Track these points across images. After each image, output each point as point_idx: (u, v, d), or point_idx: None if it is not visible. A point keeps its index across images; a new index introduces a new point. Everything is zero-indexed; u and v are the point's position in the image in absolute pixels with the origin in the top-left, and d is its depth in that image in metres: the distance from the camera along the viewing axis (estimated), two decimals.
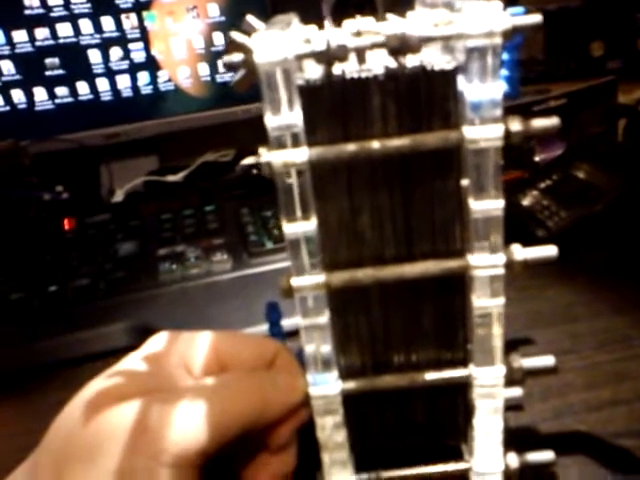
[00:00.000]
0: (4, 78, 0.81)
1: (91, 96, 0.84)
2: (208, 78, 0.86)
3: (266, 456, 0.31)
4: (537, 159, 0.71)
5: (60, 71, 0.82)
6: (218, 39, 0.84)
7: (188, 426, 0.26)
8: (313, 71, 0.26)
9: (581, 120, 0.72)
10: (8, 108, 0.82)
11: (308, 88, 0.25)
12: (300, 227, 0.26)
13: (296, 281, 0.27)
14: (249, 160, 0.26)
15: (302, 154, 0.25)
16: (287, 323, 0.39)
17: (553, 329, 0.47)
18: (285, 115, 0.24)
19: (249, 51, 0.24)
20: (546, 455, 0.31)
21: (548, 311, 0.50)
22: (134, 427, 0.25)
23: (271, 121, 0.24)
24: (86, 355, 0.51)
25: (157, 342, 0.31)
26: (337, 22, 0.30)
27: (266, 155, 0.25)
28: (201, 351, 0.31)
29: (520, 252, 0.27)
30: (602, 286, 0.52)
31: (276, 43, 0.24)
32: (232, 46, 0.25)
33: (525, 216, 0.60)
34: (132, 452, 0.25)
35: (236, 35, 0.25)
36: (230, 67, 0.25)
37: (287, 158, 0.25)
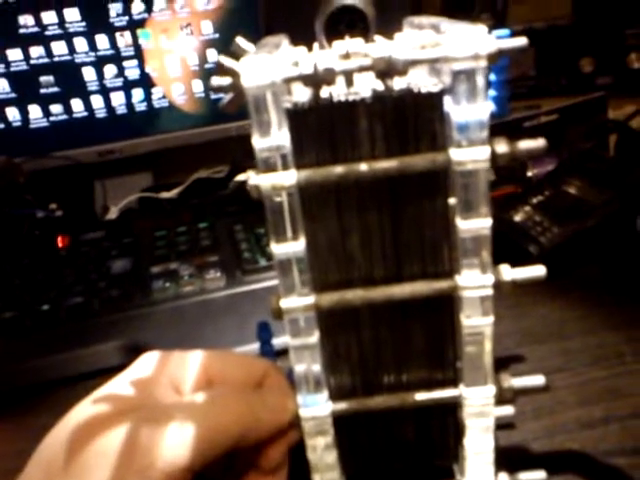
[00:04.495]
0: None
1: (85, 113, 0.84)
2: (202, 95, 0.87)
3: (256, 476, 0.30)
4: (529, 174, 0.71)
5: (55, 89, 0.82)
6: (212, 56, 0.85)
7: (176, 442, 0.26)
8: (301, 94, 0.26)
9: (572, 136, 0.72)
10: (3, 126, 0.82)
11: (296, 111, 0.25)
12: (289, 248, 0.26)
13: (285, 302, 0.27)
14: (243, 177, 0.26)
15: (290, 177, 0.25)
16: (278, 342, 0.39)
17: (545, 346, 0.47)
18: (273, 138, 0.24)
19: (237, 75, 0.24)
20: (538, 475, 0.30)
21: (540, 328, 0.50)
22: (123, 447, 0.25)
23: (259, 143, 0.25)
24: (79, 374, 0.51)
25: (145, 362, 0.31)
26: (330, 41, 0.30)
27: (254, 178, 0.25)
28: (190, 371, 0.31)
29: (509, 272, 0.27)
30: (595, 302, 0.53)
31: (264, 67, 0.24)
32: (221, 70, 0.25)
33: (517, 232, 0.60)
34: (122, 471, 0.25)
35: (224, 59, 0.25)
36: (219, 90, 0.25)
37: (275, 181, 0.25)
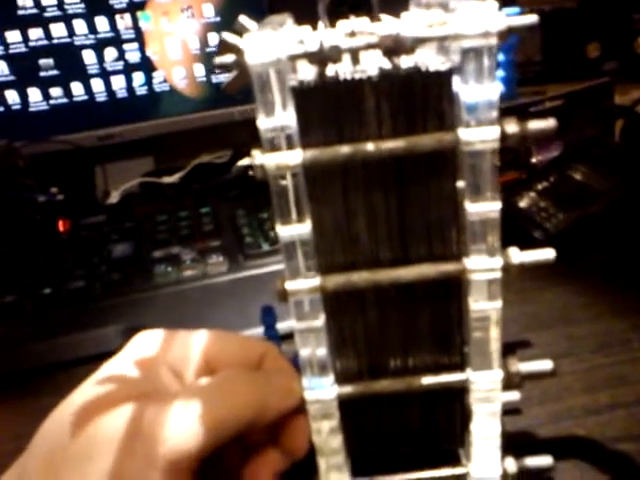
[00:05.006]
0: None
1: (86, 97, 0.84)
2: (203, 79, 0.86)
3: (266, 453, 0.30)
4: (534, 160, 0.70)
5: (54, 72, 0.82)
6: (213, 39, 0.84)
7: (182, 430, 0.25)
8: (306, 72, 0.26)
9: (578, 121, 0.71)
10: (2, 109, 0.82)
11: (301, 90, 0.24)
12: (294, 230, 0.26)
13: (291, 285, 0.26)
14: (245, 161, 0.26)
15: (296, 156, 0.24)
16: (282, 326, 0.39)
17: (551, 331, 0.47)
18: (278, 117, 0.24)
19: (241, 52, 0.24)
20: (544, 460, 0.30)
21: (546, 313, 0.49)
22: (127, 432, 0.25)
23: (264, 123, 0.24)
24: (80, 358, 0.51)
25: (141, 343, 0.31)
26: (333, 22, 0.30)
27: (259, 157, 0.24)
28: (188, 351, 0.30)
29: (517, 255, 0.26)
30: (601, 288, 0.52)
31: (268, 44, 0.23)
32: (224, 47, 0.24)
33: (522, 218, 0.60)
34: (125, 456, 0.25)
35: (227, 36, 0.24)
36: (222, 68, 0.25)
37: (280, 160, 0.24)
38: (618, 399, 0.40)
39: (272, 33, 0.24)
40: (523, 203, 0.61)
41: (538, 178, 0.64)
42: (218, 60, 0.25)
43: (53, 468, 0.25)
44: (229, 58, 0.25)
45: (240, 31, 0.26)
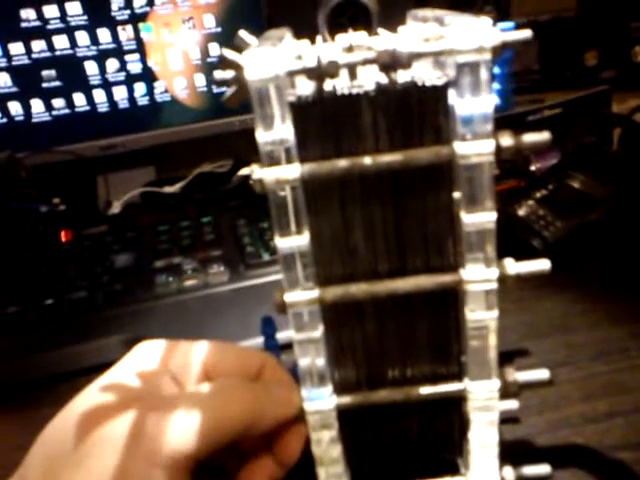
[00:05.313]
0: (1, 90, 0.81)
1: (88, 107, 0.84)
2: (204, 89, 0.86)
3: (263, 460, 0.31)
4: (533, 168, 0.71)
5: (57, 83, 0.82)
6: (214, 50, 0.85)
7: (182, 430, 0.26)
8: (304, 87, 0.26)
9: (576, 129, 0.72)
10: (5, 120, 0.82)
11: (299, 105, 0.25)
12: (293, 242, 0.26)
13: (289, 296, 0.27)
14: (245, 171, 0.26)
15: (294, 170, 0.25)
16: (282, 336, 0.39)
17: (549, 340, 0.47)
18: (277, 131, 0.24)
19: (240, 68, 0.24)
20: (542, 469, 0.30)
21: (544, 322, 0.49)
22: (130, 434, 0.26)
23: (262, 137, 0.24)
24: (82, 368, 0.51)
25: (143, 352, 0.31)
26: (332, 34, 0.30)
27: (258, 172, 0.25)
28: (188, 361, 0.31)
29: (513, 266, 0.27)
30: (598, 296, 0.52)
31: (267, 60, 0.24)
32: (224, 63, 0.25)
33: (521, 226, 0.60)
34: (129, 456, 0.25)
35: (227, 52, 0.25)
36: (222, 84, 0.25)
37: (279, 175, 0.25)
38: (616, 407, 0.40)
39: (271, 49, 0.24)
40: (522, 211, 0.62)
41: (536, 186, 0.64)
42: (218, 76, 0.25)
43: (54, 468, 0.26)
44: (229, 74, 0.25)
45: (240, 46, 0.27)
